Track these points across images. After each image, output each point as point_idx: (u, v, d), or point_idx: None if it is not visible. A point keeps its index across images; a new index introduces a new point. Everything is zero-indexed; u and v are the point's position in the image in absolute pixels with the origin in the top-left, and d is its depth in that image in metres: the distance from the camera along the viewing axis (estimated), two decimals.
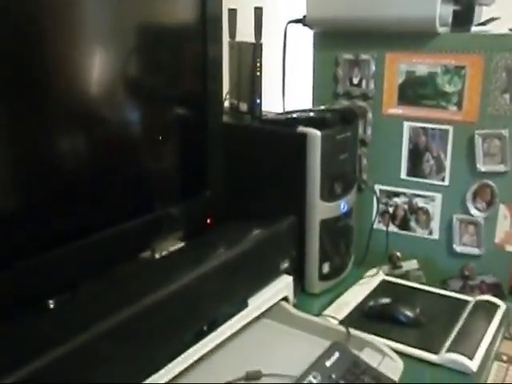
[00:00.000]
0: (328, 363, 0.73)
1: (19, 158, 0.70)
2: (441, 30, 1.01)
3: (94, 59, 0.77)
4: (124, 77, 0.82)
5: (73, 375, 0.58)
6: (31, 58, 0.69)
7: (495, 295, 1.01)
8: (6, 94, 0.66)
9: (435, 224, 1.11)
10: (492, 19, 1.14)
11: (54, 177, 0.75)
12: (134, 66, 0.84)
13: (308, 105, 1.18)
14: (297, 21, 1.16)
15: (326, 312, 0.94)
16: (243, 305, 0.78)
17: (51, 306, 0.77)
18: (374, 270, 1.10)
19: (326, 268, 1.02)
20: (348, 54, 1.11)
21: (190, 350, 0.69)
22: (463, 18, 1.07)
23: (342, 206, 1.01)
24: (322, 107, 1.07)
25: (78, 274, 0.80)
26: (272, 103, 1.16)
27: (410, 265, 1.14)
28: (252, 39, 1.06)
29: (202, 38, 0.90)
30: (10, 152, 0.70)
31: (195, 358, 0.70)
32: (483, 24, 1.14)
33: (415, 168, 1.10)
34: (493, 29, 1.09)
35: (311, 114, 1.01)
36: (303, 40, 1.20)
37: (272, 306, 0.86)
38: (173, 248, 0.94)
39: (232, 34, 1.12)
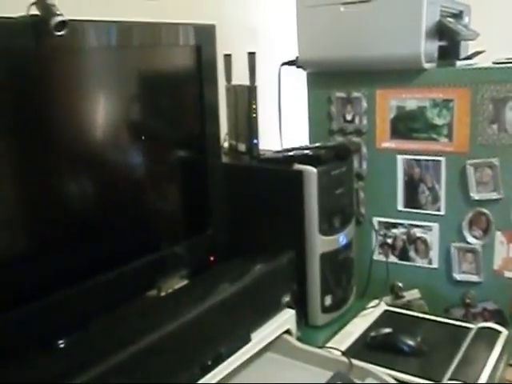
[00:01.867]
0: None
1: (30, 202, 0.74)
2: (427, 65, 1.06)
3: (98, 108, 0.82)
4: (127, 123, 0.87)
5: None
6: (40, 109, 0.74)
7: (498, 322, 1.02)
8: (18, 142, 0.71)
9: (434, 253, 1.13)
10: (477, 53, 1.18)
11: (63, 219, 0.78)
12: (136, 112, 0.89)
13: (304, 142, 1.22)
14: (289, 63, 1.22)
15: (329, 344, 0.96)
16: (246, 339, 0.80)
17: (61, 345, 0.79)
18: (376, 301, 1.12)
19: (328, 300, 1.03)
20: (340, 92, 1.16)
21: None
22: (449, 52, 1.12)
23: (341, 239, 1.04)
24: (317, 144, 1.11)
25: (87, 313, 0.83)
26: (270, 141, 1.20)
27: (412, 294, 1.16)
28: (247, 82, 1.11)
29: (199, 84, 0.95)
30: (22, 196, 0.74)
31: None
32: (469, 58, 1.18)
33: (411, 199, 1.13)
34: (478, 62, 1.14)
35: (307, 151, 1.05)
36: (297, 80, 1.25)
37: (275, 340, 0.88)
38: (177, 286, 0.97)
39: (228, 78, 1.17)
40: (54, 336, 0.79)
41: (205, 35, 0.94)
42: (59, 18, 0.65)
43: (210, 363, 0.73)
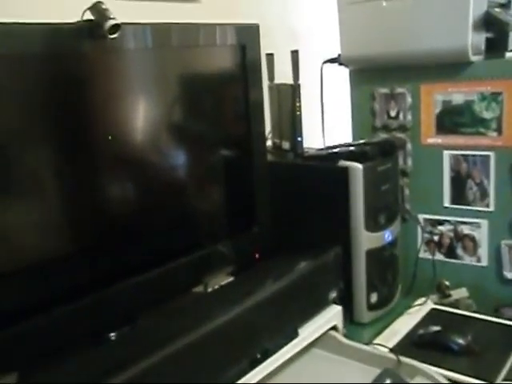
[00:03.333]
0: None
1: (88, 204, 0.77)
2: (474, 58, 1.04)
3: (147, 109, 0.84)
4: (174, 123, 0.89)
5: None
6: (93, 111, 0.76)
7: None
8: (64, 144, 0.73)
9: (483, 251, 1.10)
10: None
11: (115, 217, 0.81)
12: (183, 113, 0.91)
13: (347, 139, 1.22)
14: (331, 60, 1.21)
15: (375, 341, 0.95)
16: (294, 334, 0.81)
17: (112, 338, 0.82)
18: (423, 299, 1.10)
19: (374, 298, 1.03)
20: (384, 88, 1.15)
21: (245, 377, 0.72)
22: (497, 44, 1.09)
23: (387, 235, 1.03)
24: (362, 141, 1.10)
25: (137, 307, 0.85)
26: (312, 140, 1.20)
27: (460, 293, 1.13)
28: (289, 80, 1.12)
29: (244, 83, 0.96)
30: (88, 199, 0.77)
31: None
32: None
33: (458, 195, 1.11)
34: None
35: (351, 148, 1.04)
36: (339, 77, 1.25)
37: (322, 336, 0.88)
38: (223, 282, 0.98)
39: (271, 77, 1.18)
40: (106, 329, 0.82)
41: (249, 35, 0.95)
42: (112, 22, 0.67)
43: (258, 357, 0.73)
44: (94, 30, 0.68)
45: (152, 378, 0.63)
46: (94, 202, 0.78)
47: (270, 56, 1.17)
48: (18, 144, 0.69)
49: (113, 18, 0.68)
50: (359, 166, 0.97)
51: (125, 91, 0.81)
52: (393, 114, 1.15)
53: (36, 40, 0.67)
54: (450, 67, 1.06)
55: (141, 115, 0.83)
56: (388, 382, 0.75)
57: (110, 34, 0.68)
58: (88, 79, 0.75)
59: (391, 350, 0.88)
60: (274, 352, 0.77)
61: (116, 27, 0.68)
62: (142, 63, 0.83)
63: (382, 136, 1.16)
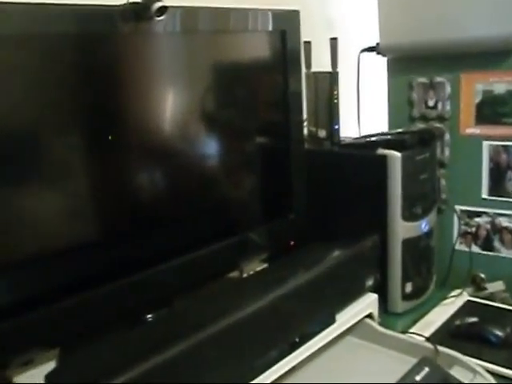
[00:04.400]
0: (418, 377, 0.73)
1: (127, 191, 0.78)
2: None
3: (187, 94, 0.84)
4: (212, 111, 0.89)
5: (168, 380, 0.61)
6: (122, 96, 0.77)
7: None
8: (95, 133, 0.74)
9: None
10: None
11: (156, 202, 0.82)
12: (223, 100, 0.91)
13: (383, 129, 1.20)
14: (369, 49, 1.20)
15: (411, 331, 0.94)
16: (331, 320, 0.81)
17: (149, 319, 0.83)
18: (458, 291, 1.09)
19: (408, 288, 1.02)
20: (422, 77, 1.14)
21: (284, 361, 0.72)
22: None
23: (424, 225, 1.02)
24: (400, 130, 1.09)
25: (174, 291, 0.86)
26: (347, 129, 1.19)
27: (496, 286, 1.12)
28: (324, 69, 1.11)
29: (284, 70, 0.96)
30: (127, 188, 0.78)
31: (289, 367, 0.73)
32: None
33: (497, 187, 1.09)
34: None
35: (389, 136, 1.04)
36: (375, 66, 1.24)
37: (357, 323, 0.88)
38: (259, 268, 0.99)
39: (308, 65, 1.17)
40: (144, 311, 0.83)
41: (290, 21, 0.95)
42: (160, 4, 0.68)
43: (297, 340, 0.74)
44: (141, 11, 0.69)
45: (191, 359, 0.63)
46: (133, 190, 0.80)
47: (307, 44, 1.16)
48: (53, 130, 0.69)
49: (160, 0, 0.68)
50: (398, 154, 0.96)
51: (165, 76, 0.81)
52: (431, 103, 1.14)
53: (80, 21, 0.68)
54: (492, 56, 1.04)
55: (180, 101, 0.84)
56: (426, 370, 0.74)
57: (157, 16, 0.69)
58: (129, 63, 0.76)
59: (428, 339, 0.88)
60: (312, 337, 0.77)
61: (163, 9, 0.68)
62: (183, 47, 0.83)
63: (420, 126, 1.15)
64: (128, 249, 0.80)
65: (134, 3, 0.71)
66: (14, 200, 0.67)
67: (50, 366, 0.75)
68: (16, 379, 0.75)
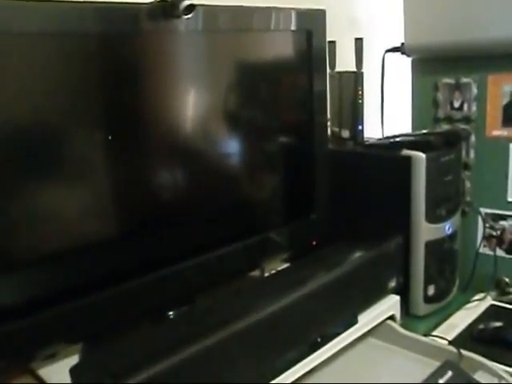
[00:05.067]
0: (441, 381, 0.73)
1: (148, 189, 0.79)
2: None
3: (213, 92, 0.85)
4: (236, 110, 0.89)
5: (190, 379, 0.61)
6: (146, 95, 0.77)
7: None
8: (114, 131, 0.74)
9: None
10: None
11: (172, 204, 0.83)
12: (248, 99, 0.91)
13: (406, 131, 1.19)
14: (394, 49, 1.19)
15: (434, 334, 0.93)
16: (354, 320, 0.80)
17: (171, 317, 0.84)
18: (482, 295, 1.08)
19: (431, 290, 1.01)
20: (448, 78, 1.13)
21: (305, 360, 0.72)
22: None
23: (447, 227, 1.01)
24: (424, 131, 1.08)
25: (195, 289, 0.87)
26: (370, 130, 1.19)
27: None
28: (347, 69, 1.10)
29: (309, 71, 0.96)
30: (148, 186, 0.78)
31: (309, 367, 0.73)
32: None
33: None
34: None
35: (413, 137, 1.03)
36: (399, 67, 1.23)
37: (379, 325, 0.87)
38: (280, 268, 0.99)
39: (332, 65, 1.17)
40: (166, 308, 0.84)
41: (316, 21, 0.95)
42: (188, 2, 0.68)
43: (319, 340, 0.74)
44: (169, 10, 0.69)
45: (212, 357, 0.64)
46: (157, 188, 0.80)
47: (331, 43, 1.15)
48: (76, 128, 0.70)
49: None
50: (422, 155, 0.95)
51: (190, 75, 0.82)
52: (457, 104, 1.13)
53: (107, 20, 0.69)
54: None
55: (204, 100, 0.84)
56: (449, 374, 0.74)
57: (185, 15, 0.69)
58: (155, 61, 0.77)
59: (451, 343, 0.87)
60: (334, 337, 0.77)
61: (191, 7, 0.69)
62: (208, 46, 0.83)
63: (445, 127, 1.14)
64: (151, 246, 0.80)
65: (161, 1, 0.71)
66: (42, 198, 0.68)
67: (74, 359, 0.76)
68: (41, 371, 0.76)
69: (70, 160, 0.70)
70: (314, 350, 0.74)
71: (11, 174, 0.64)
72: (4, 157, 0.63)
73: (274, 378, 0.69)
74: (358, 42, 1.08)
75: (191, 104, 0.82)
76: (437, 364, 0.78)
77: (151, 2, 0.71)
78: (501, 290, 1.12)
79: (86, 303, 0.72)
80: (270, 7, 0.88)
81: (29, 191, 0.66)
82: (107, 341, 0.74)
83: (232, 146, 0.89)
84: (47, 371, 0.76)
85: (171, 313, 0.85)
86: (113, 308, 0.75)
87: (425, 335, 0.92)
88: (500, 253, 1.12)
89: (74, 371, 0.62)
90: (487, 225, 1.12)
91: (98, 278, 0.74)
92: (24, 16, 0.61)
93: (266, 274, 0.99)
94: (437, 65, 1.14)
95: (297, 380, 0.72)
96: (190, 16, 0.70)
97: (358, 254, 0.85)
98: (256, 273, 0.99)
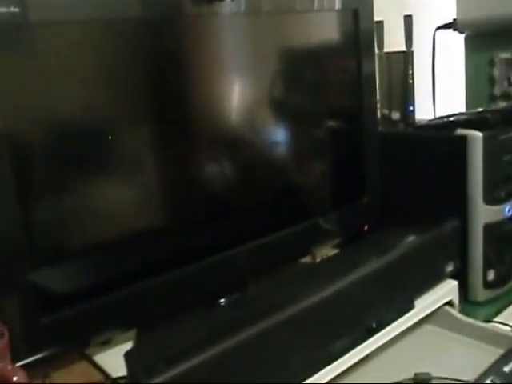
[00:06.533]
0: (506, 369, 0.69)
1: (198, 179, 0.79)
2: None
3: (256, 80, 0.83)
4: (282, 96, 0.87)
5: (242, 365, 0.61)
6: (186, 86, 0.76)
7: None
8: (164, 121, 0.74)
9: None
10: None
11: (226, 191, 0.83)
12: (294, 84, 0.89)
13: (459, 110, 1.15)
14: (445, 26, 1.15)
15: (496, 320, 0.89)
16: (410, 306, 0.78)
17: (222, 304, 0.84)
18: None
19: (490, 275, 0.97)
20: (505, 53, 1.07)
21: (361, 346, 0.70)
22: None
23: (507, 209, 0.96)
24: (480, 109, 1.03)
25: (246, 276, 0.86)
26: (420, 112, 1.15)
27: None
28: (394, 49, 1.07)
29: (356, 53, 0.93)
30: (199, 176, 0.78)
31: (365, 354, 0.71)
32: None
33: None
34: None
35: (468, 116, 0.98)
36: (449, 44, 1.18)
37: (436, 311, 0.84)
38: (332, 253, 0.97)
39: (380, 46, 1.14)
40: (217, 295, 0.84)
41: None
42: None
43: (374, 326, 0.72)
44: None
45: (266, 343, 0.63)
46: (206, 177, 0.80)
47: (379, 23, 1.12)
48: (121, 118, 0.70)
49: None
50: (479, 134, 0.91)
51: (234, 60, 0.81)
52: None
53: (149, 5, 0.68)
54: None
55: (250, 86, 0.83)
56: None
57: None
58: (198, 46, 0.76)
59: None
60: (390, 322, 0.74)
61: None
62: (253, 29, 0.82)
63: (502, 104, 1.09)
64: (203, 234, 0.80)
65: None
66: (100, 190, 0.69)
67: (127, 346, 0.78)
68: (96, 357, 0.78)
69: (121, 152, 0.70)
70: (370, 336, 0.71)
71: (73, 170, 0.66)
72: (58, 151, 0.64)
73: (328, 364, 0.67)
74: (407, 19, 1.05)
75: (237, 90, 0.81)
76: (500, 351, 0.75)
77: None
78: None
79: (139, 291, 0.73)
80: None
81: (92, 184, 0.68)
82: (160, 328, 0.74)
83: (280, 133, 0.88)
84: (103, 357, 0.78)
85: (222, 300, 0.85)
86: (165, 295, 0.76)
87: (486, 321, 0.88)
88: None
89: (128, 356, 0.62)
90: None
91: (152, 265, 0.74)
92: (70, 4, 0.61)
93: (318, 260, 0.97)
94: (492, 40, 1.09)
95: (352, 366, 0.71)
96: None
97: (412, 238, 0.82)
98: (307, 259, 0.97)
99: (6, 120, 0.59)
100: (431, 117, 1.13)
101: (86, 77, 0.66)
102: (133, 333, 0.80)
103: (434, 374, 0.72)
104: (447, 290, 0.85)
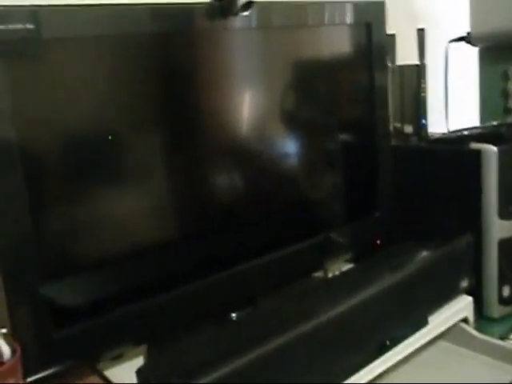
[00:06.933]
0: None
1: (209, 193, 0.79)
2: None
3: (266, 93, 0.83)
4: (294, 108, 0.87)
5: (257, 380, 0.60)
6: (201, 95, 0.76)
7: None
8: (177, 133, 0.74)
9: None
10: None
11: (234, 207, 0.82)
12: (306, 97, 0.89)
13: (472, 124, 1.14)
14: (459, 39, 1.14)
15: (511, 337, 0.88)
16: (424, 322, 0.77)
17: (233, 318, 0.83)
18: None
19: (506, 291, 0.95)
20: None
21: (374, 364, 0.69)
22: None
23: None
24: (494, 123, 1.02)
25: (258, 290, 0.85)
26: (433, 126, 1.14)
27: None
28: (406, 62, 1.07)
29: (369, 65, 0.93)
30: (209, 189, 0.78)
31: (378, 371, 0.70)
32: None
33: None
34: None
35: (482, 130, 0.98)
36: (462, 57, 1.18)
37: (451, 327, 0.83)
38: (344, 268, 0.96)
39: (392, 59, 1.13)
40: (229, 309, 0.83)
41: (375, 13, 0.92)
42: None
43: (388, 343, 0.71)
44: (227, 7, 0.69)
45: (277, 360, 0.62)
46: (217, 190, 0.80)
47: (391, 36, 1.12)
48: (134, 130, 0.70)
49: None
50: (493, 148, 0.90)
51: (247, 73, 0.81)
52: None
53: (165, 20, 0.69)
54: None
55: (262, 99, 0.83)
56: None
57: (243, 12, 0.68)
58: (212, 60, 0.76)
59: None
60: (404, 339, 0.73)
61: (249, 4, 0.68)
62: (265, 43, 0.82)
63: None
64: (214, 248, 0.80)
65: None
66: (112, 203, 0.69)
67: (139, 361, 0.77)
68: (107, 372, 0.77)
69: (133, 164, 0.70)
70: (383, 353, 0.70)
71: (86, 183, 0.66)
72: (71, 164, 0.64)
73: (341, 382, 0.66)
74: (420, 32, 1.04)
75: (250, 103, 0.81)
76: None
77: (210, 1, 0.71)
78: None
79: (151, 305, 0.72)
80: (329, 1, 0.86)
81: (105, 197, 0.68)
82: (172, 342, 0.74)
83: (292, 146, 0.88)
84: (113, 372, 0.77)
85: (234, 314, 0.84)
86: (177, 310, 0.76)
87: (501, 338, 0.86)
88: None
89: (141, 372, 0.62)
90: None
91: (163, 280, 0.74)
92: (85, 20, 0.62)
93: (330, 275, 0.96)
94: (507, 53, 1.08)
95: (371, 381, 0.70)
96: (247, 13, 0.69)
97: (425, 253, 0.81)
98: (319, 274, 0.97)
99: (20, 133, 0.59)
100: (444, 130, 1.12)
101: (99, 90, 0.66)
102: (143, 348, 0.79)
103: None
104: (462, 306, 0.84)
